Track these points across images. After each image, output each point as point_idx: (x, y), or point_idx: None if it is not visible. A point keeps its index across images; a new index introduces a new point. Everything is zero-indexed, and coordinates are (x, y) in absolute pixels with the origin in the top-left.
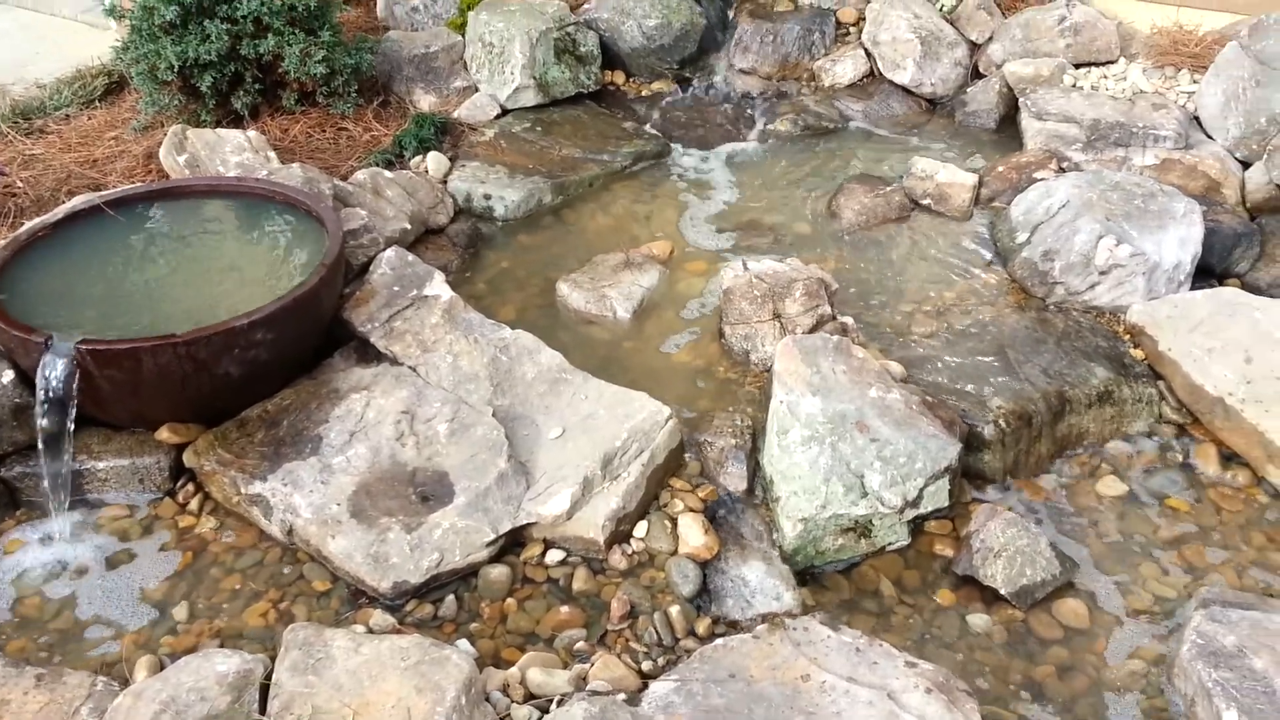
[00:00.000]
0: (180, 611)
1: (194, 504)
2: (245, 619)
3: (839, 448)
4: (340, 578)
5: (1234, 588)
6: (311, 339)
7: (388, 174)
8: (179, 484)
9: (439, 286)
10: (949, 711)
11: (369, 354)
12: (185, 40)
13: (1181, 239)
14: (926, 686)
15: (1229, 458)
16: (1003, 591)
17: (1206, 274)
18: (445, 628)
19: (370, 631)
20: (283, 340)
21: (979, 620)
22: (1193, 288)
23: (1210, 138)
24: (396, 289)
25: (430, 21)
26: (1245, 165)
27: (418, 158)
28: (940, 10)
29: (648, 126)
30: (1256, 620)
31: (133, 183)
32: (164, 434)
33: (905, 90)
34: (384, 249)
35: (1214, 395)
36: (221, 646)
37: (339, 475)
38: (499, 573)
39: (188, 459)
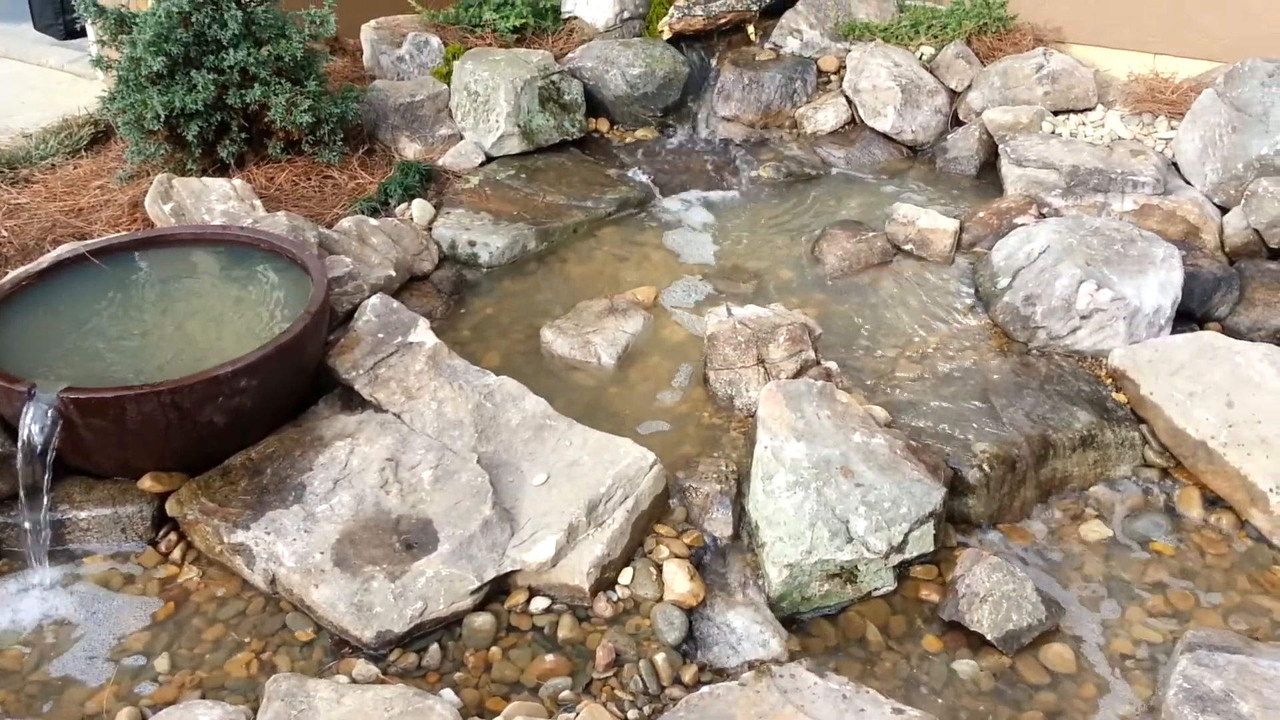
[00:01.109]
0: (162, 663)
1: (176, 553)
2: (227, 670)
3: (824, 493)
4: (324, 627)
5: (1220, 631)
6: (296, 387)
7: (373, 221)
8: (161, 533)
9: (423, 333)
10: None
11: (353, 401)
12: (172, 90)
13: (1161, 283)
14: None
15: (1212, 501)
16: (989, 637)
17: (1187, 318)
18: (429, 677)
19: (353, 682)
20: (267, 388)
21: (966, 666)
22: (1173, 332)
23: (1188, 183)
24: (381, 336)
25: (416, 71)
26: (1223, 210)
27: (403, 205)
28: (920, 59)
29: (632, 173)
30: (1243, 664)
31: (118, 232)
32: (146, 483)
33: (886, 137)
34: (369, 296)
35: (1196, 439)
36: (203, 698)
37: (323, 523)
38: (483, 621)
39: (170, 508)
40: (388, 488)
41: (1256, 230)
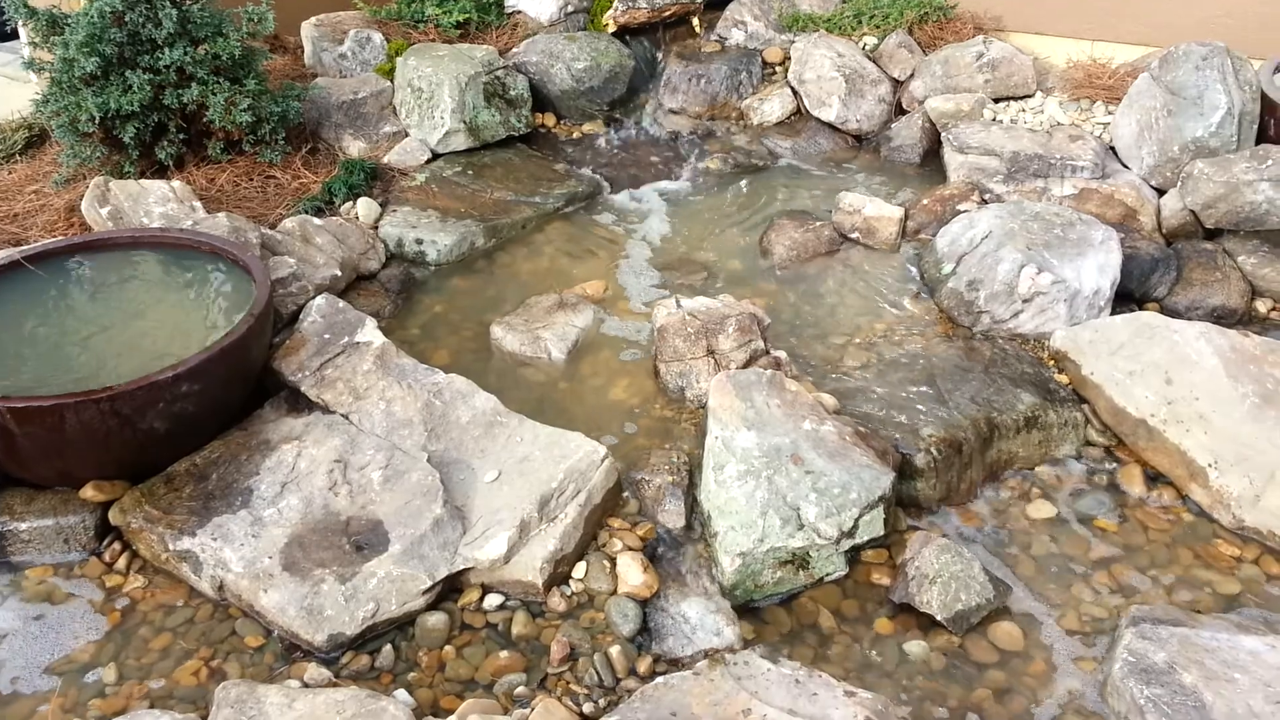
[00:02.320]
0: (109, 673)
1: (121, 562)
2: (176, 678)
3: (775, 481)
4: (274, 632)
5: (1163, 605)
6: (240, 390)
7: (316, 221)
8: (105, 543)
9: (371, 333)
10: None
11: (300, 403)
12: (106, 91)
13: (1100, 266)
14: (866, 716)
15: (1154, 478)
16: (939, 618)
17: (1126, 299)
18: (383, 678)
19: (305, 686)
20: (210, 392)
21: (916, 647)
22: (1113, 313)
23: (1126, 167)
24: (327, 337)
25: (358, 68)
26: (1160, 192)
27: (348, 204)
28: (863, 49)
29: (579, 168)
30: (1185, 636)
31: (54, 237)
32: (88, 492)
33: (832, 127)
34: (314, 297)
35: (1137, 417)
36: (152, 708)
37: (270, 528)
38: (436, 620)
39: (113, 516)
40: (336, 489)
41: (1193, 211)
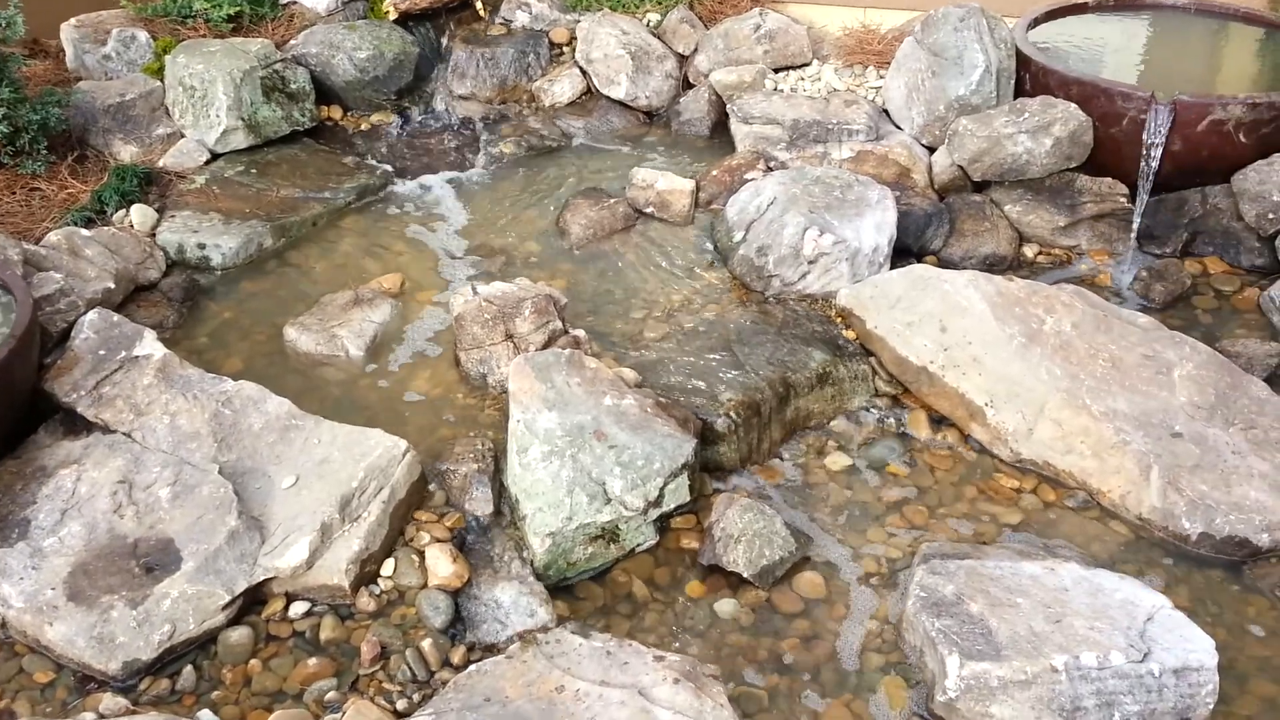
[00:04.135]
0: None
1: None
2: None
3: (579, 459)
4: (65, 665)
5: (952, 540)
6: (7, 417)
7: (85, 233)
8: None
9: (151, 345)
10: (696, 697)
11: (78, 425)
12: None
13: (878, 224)
14: (675, 677)
15: (938, 421)
16: (746, 575)
17: (906, 254)
18: (185, 700)
19: (101, 718)
20: None
21: (727, 606)
22: (892, 268)
23: (899, 128)
24: (103, 353)
25: (125, 69)
26: (931, 150)
27: (121, 213)
28: (647, 25)
29: (370, 160)
30: (972, 568)
31: None
32: None
33: (623, 105)
34: (85, 312)
35: (918, 365)
36: None
37: (52, 558)
38: (240, 635)
39: None
40: (121, 511)
41: (960, 166)
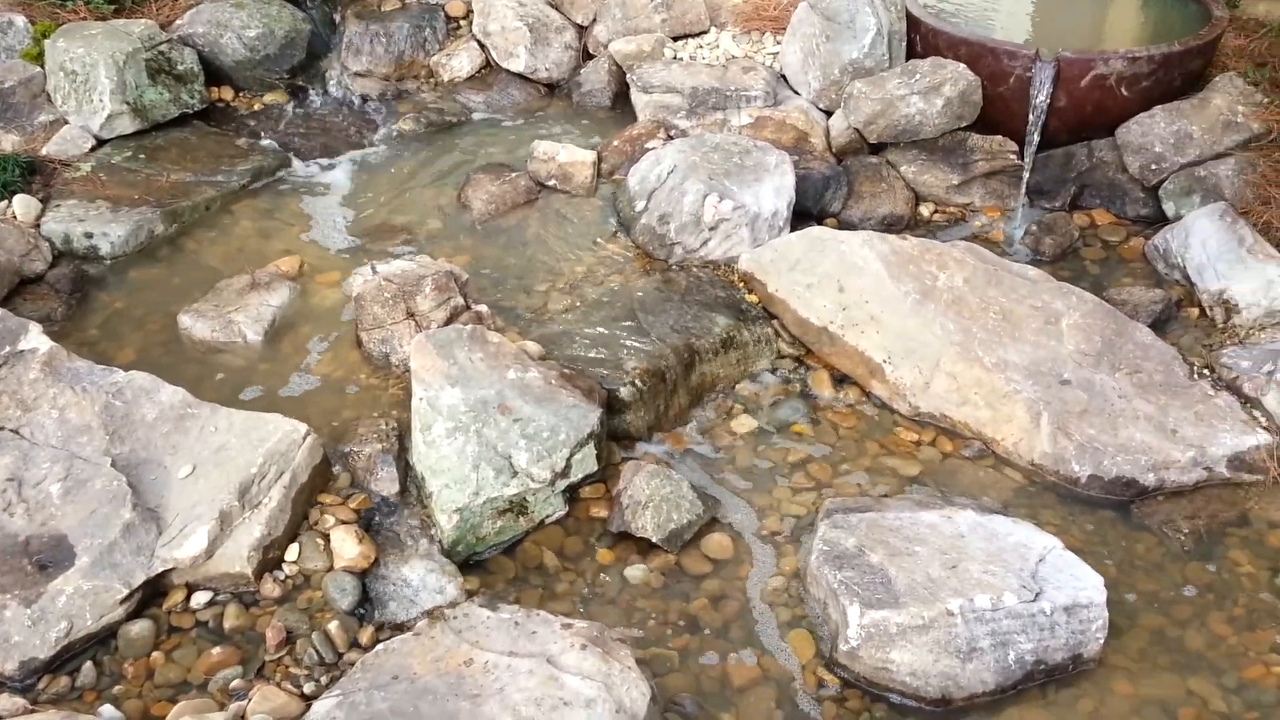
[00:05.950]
0: None
1: None
2: None
3: (484, 433)
4: None
5: (854, 495)
6: None
7: None
8: None
9: (36, 339)
10: (604, 661)
11: None
12: None
13: (776, 188)
14: (582, 643)
15: (840, 380)
16: (654, 539)
17: (806, 217)
18: (86, 697)
19: None
20: None
21: (636, 571)
22: (793, 231)
23: (796, 93)
24: None
25: (2, 55)
26: (828, 114)
27: (2, 204)
28: None
29: (264, 141)
30: (873, 520)
31: None
32: None
33: (522, 77)
34: None
35: (819, 325)
36: None
37: None
38: (140, 628)
39: None
40: (11, 510)
41: (857, 129)
